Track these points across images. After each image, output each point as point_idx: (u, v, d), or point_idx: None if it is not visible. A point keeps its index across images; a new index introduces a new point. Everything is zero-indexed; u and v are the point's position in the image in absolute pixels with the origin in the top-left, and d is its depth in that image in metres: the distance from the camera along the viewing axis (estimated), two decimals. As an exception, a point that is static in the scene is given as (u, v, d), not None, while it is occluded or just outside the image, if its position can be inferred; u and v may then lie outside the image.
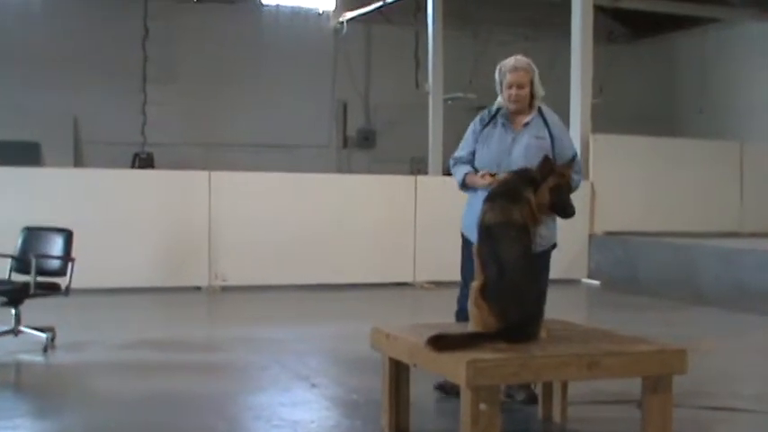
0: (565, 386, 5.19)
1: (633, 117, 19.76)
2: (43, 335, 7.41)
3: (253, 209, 11.87)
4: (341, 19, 20.02)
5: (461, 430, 4.14)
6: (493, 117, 5.78)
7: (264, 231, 11.86)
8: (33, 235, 7.84)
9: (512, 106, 5.66)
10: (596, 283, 13.24)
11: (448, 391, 5.64)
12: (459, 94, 19.58)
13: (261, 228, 11.86)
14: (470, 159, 5.77)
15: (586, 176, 13.72)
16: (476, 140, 5.78)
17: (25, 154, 16.91)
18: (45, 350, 7.34)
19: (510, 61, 5.73)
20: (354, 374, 6.53)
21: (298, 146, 19.39)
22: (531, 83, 5.67)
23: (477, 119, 5.84)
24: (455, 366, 4.16)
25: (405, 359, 4.79)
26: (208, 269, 11.70)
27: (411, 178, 13.35)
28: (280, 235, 11.85)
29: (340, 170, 19.58)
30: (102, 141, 18.33)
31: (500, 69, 5.73)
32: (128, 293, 11.17)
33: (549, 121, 5.72)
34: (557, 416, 5.21)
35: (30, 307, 7.49)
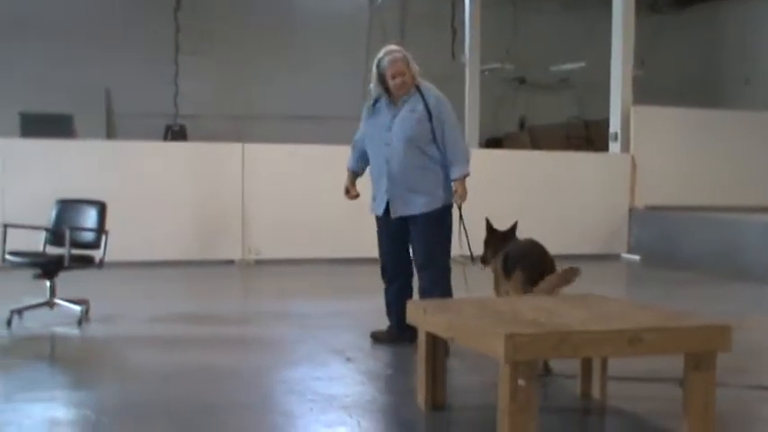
0: (604, 362, 5.17)
1: (676, 89, 19.60)
2: (78, 307, 7.52)
3: (286, 181, 11.92)
4: (376, -12, 19.95)
5: (499, 406, 4.15)
6: (376, 100, 6.53)
7: (298, 204, 11.90)
8: (67, 207, 7.93)
9: (398, 92, 6.36)
10: (636, 258, 13.18)
11: (379, 339, 6.72)
12: (497, 65, 19.50)
13: (294, 200, 11.91)
14: (363, 142, 6.71)
15: (627, 149, 13.65)
16: (366, 124, 6.63)
17: (57, 126, 17.03)
18: (79, 323, 7.44)
19: (386, 57, 6.33)
20: (390, 349, 6.56)
21: (331, 117, 19.37)
22: (408, 66, 6.34)
23: (367, 103, 6.64)
24: (493, 341, 4.16)
25: (441, 333, 4.80)
26: (241, 242, 11.79)
27: (447, 151, 13.29)
28: (313, 208, 11.89)
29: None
30: (134, 113, 18.45)
31: (378, 64, 6.35)
32: (161, 266, 11.28)
33: (426, 95, 6.39)
34: (596, 392, 5.20)
35: (64, 279, 7.59)
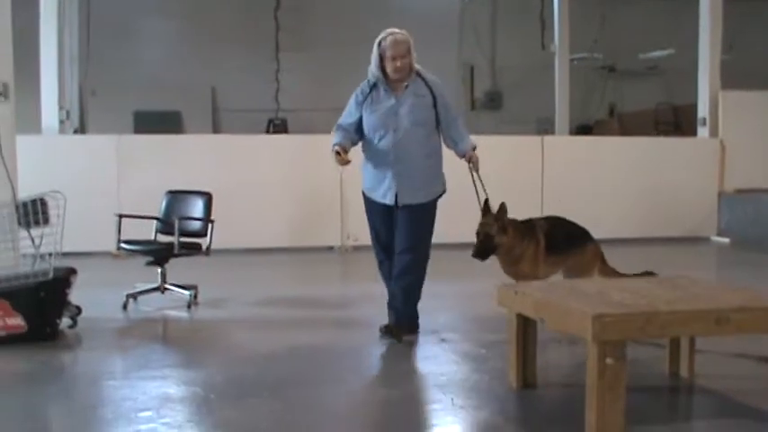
0: (692, 341, 5.08)
1: (764, 72, 18.99)
2: (187, 292, 7.68)
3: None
4: (467, -17, 19.84)
5: (588, 384, 4.11)
6: (373, 87, 6.21)
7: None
8: (176, 198, 8.10)
9: (396, 76, 6.08)
10: (726, 240, 12.86)
11: (387, 333, 6.24)
12: (586, 54, 19.23)
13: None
14: (351, 126, 6.26)
15: (715, 134, 13.33)
16: (359, 110, 6.24)
17: (168, 123, 17.44)
18: (189, 306, 7.61)
19: (389, 37, 6.08)
20: (482, 330, 6.54)
21: (426, 109, 19.36)
22: (410, 49, 6.10)
23: (359, 90, 6.29)
24: (581, 321, 4.12)
25: (531, 314, 4.78)
26: (340, 229, 11.87)
27: (538, 138, 13.21)
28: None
29: (468, 131, 19.48)
30: (238, 109, 18.74)
31: (379, 44, 6.09)
32: (264, 253, 11.44)
33: (429, 81, 6.19)
34: (684, 371, 5.11)
35: (174, 266, 7.77)
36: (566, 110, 17.67)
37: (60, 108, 13.78)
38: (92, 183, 11.02)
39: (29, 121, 11.64)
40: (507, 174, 12.47)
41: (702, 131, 13.63)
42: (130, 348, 6.36)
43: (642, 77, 20.92)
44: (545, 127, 18.67)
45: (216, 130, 18.70)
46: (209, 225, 7.75)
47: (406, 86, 6.13)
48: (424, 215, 6.23)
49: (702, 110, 13.65)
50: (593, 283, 5.16)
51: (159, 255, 7.65)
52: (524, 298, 4.82)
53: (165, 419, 4.48)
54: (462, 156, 6.32)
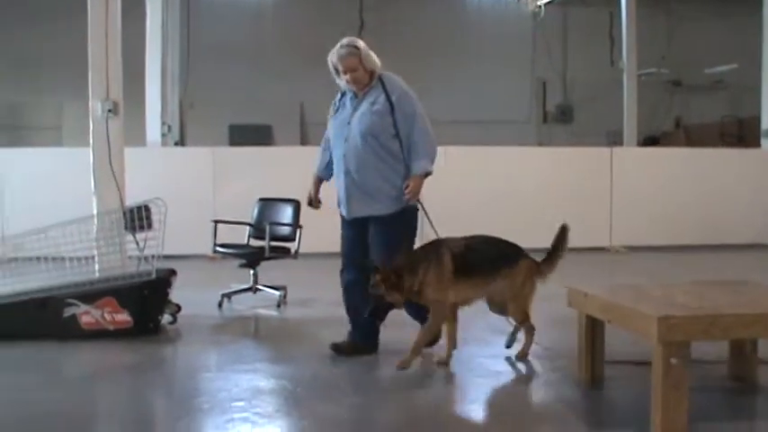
0: (755, 345, 4.97)
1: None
2: (277, 292, 7.79)
3: (455, 180, 11.87)
4: (539, 3, 19.71)
5: (653, 383, 4.06)
6: (343, 95, 5.82)
7: (463, 201, 11.86)
8: (267, 205, 8.22)
9: (353, 88, 5.63)
10: (790, 247, 12.53)
11: (341, 350, 5.81)
12: (653, 70, 18.97)
13: (461, 197, 11.89)
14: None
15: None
16: (331, 120, 5.89)
17: (260, 135, 17.70)
18: (279, 305, 7.71)
19: (338, 50, 5.63)
20: (551, 331, 6.47)
21: (501, 122, 19.28)
22: (361, 60, 5.57)
23: (333, 100, 5.91)
24: (647, 323, 4.08)
25: (599, 316, 4.74)
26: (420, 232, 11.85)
27: (607, 150, 13.05)
28: (475, 204, 11.84)
29: (540, 144, 19.35)
30: (324, 122, 18.83)
31: (331, 61, 5.67)
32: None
33: (389, 87, 5.60)
34: (746, 374, 5.00)
35: (265, 268, 7.88)
36: (633, 123, 17.41)
37: (162, 123, 14.11)
38: (190, 191, 11.23)
39: (135, 135, 11.92)
40: (578, 183, 12.39)
41: (766, 143, 13.33)
42: (225, 344, 6.47)
43: (708, 91, 20.53)
44: (614, 139, 18.42)
45: (303, 142, 18.89)
46: (298, 230, 7.85)
47: (365, 93, 5.64)
48: (390, 228, 5.58)
49: (766, 122, 13.37)
50: (658, 287, 5.09)
51: (251, 258, 7.77)
52: (593, 300, 4.79)
53: (256, 410, 4.56)
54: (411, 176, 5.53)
